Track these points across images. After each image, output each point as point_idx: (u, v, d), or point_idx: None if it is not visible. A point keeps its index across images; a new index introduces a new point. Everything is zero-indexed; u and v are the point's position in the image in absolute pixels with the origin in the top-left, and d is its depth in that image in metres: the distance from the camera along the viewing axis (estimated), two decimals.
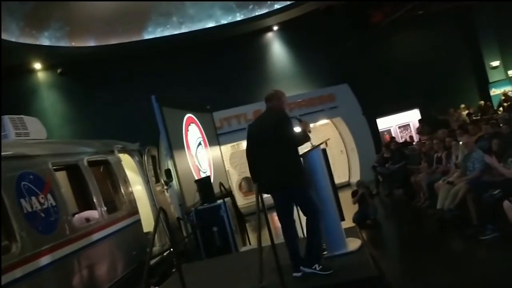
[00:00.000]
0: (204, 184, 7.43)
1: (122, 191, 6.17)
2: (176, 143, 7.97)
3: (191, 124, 9.50)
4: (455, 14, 15.49)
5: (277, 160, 4.10)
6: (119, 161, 6.48)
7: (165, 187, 8.13)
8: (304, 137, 4.16)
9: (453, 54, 15.47)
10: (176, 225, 7.75)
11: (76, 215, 5.58)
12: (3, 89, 11.57)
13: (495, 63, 15.61)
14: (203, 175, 8.65)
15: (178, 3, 13.26)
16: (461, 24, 15.81)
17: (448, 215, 6.47)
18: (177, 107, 9.00)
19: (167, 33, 13.74)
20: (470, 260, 5.22)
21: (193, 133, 9.50)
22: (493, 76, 15.59)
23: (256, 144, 4.29)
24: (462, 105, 13.94)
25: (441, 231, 6.64)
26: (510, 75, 15.65)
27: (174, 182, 7.90)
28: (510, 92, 14.66)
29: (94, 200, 5.47)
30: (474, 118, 12.46)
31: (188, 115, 9.37)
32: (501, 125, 8.34)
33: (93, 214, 5.58)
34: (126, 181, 6.39)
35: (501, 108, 13.61)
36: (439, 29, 15.57)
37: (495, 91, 15.19)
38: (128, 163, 6.95)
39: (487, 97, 15.06)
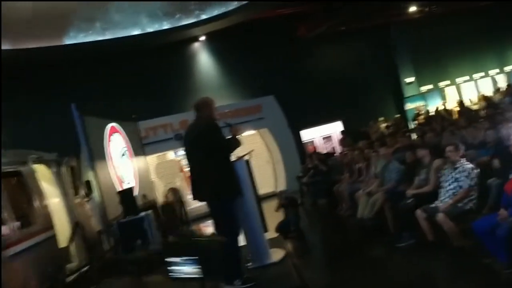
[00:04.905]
0: (126, 196, 7.21)
1: (36, 204, 5.80)
2: (98, 153, 7.69)
3: (114, 133, 9.21)
4: (374, 32, 16.35)
5: (198, 171, 4.11)
6: (33, 172, 6.09)
7: (85, 199, 7.77)
8: (235, 143, 4.17)
9: (373, 69, 16.29)
10: (97, 239, 7.41)
11: None
12: None
13: (410, 79, 16.66)
14: (126, 187, 8.40)
15: (102, 8, 12.81)
16: (379, 42, 16.70)
17: (368, 224, 6.74)
18: (100, 116, 8.70)
19: (90, 38, 13.22)
20: (388, 267, 5.45)
21: (116, 143, 9.21)
22: (408, 91, 16.61)
23: (187, 155, 4.28)
24: (381, 118, 14.68)
25: (362, 239, 6.89)
26: (423, 91, 16.78)
27: (96, 194, 7.59)
28: (422, 107, 15.68)
29: (5, 214, 5.09)
30: (391, 131, 13.14)
31: (111, 124, 9.09)
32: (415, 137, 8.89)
33: (3, 229, 5.19)
34: (40, 194, 6.02)
35: (415, 122, 14.50)
36: (360, 45, 16.37)
37: (409, 106, 16.19)
38: (44, 175, 6.56)
39: (402, 111, 16.01)
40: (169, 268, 3.76)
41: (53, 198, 6.62)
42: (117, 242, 6.71)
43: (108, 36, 13.21)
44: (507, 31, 17.66)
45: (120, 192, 7.47)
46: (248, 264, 4.39)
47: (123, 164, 9.16)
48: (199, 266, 3.49)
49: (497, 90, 15.18)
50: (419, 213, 5.34)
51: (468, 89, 17.32)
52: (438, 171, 5.66)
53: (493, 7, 17.00)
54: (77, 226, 4.13)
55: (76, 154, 8.49)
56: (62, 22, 12.53)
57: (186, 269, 3.58)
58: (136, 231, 6.66)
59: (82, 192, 7.70)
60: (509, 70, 17.94)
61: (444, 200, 5.27)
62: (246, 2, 13.14)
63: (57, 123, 10.85)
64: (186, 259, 3.57)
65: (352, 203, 7.96)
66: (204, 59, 15.42)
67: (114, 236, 6.77)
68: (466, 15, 17.11)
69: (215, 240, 3.95)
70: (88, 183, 7.68)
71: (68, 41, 13.00)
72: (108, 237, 7.15)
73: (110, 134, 8.96)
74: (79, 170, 7.90)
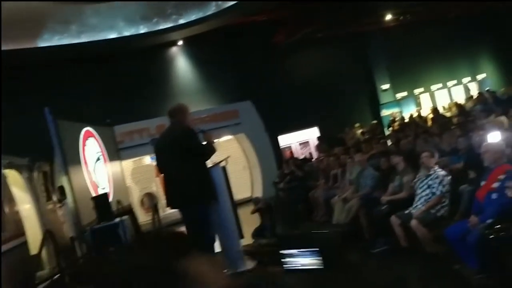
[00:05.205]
0: (100, 201, 7.10)
1: (7, 210, 5.67)
2: (72, 158, 7.56)
3: (89, 138, 9.08)
4: (351, 39, 16.57)
5: (173, 177, 4.07)
6: (3, 178, 5.95)
7: (58, 205, 7.63)
8: (210, 149, 4.16)
9: (349, 76, 16.48)
10: (69, 245, 7.28)
11: None
12: None
13: (386, 86, 16.92)
14: (101, 192, 8.28)
15: (78, 11, 12.63)
16: (356, 49, 16.93)
17: (343, 230, 6.79)
18: (74, 120, 8.58)
19: (65, 41, 13.01)
20: (363, 272, 5.49)
21: (91, 147, 9.08)
22: (383, 98, 16.88)
23: (160, 161, 4.22)
24: (357, 124, 14.85)
25: (337, 245, 6.93)
26: (398, 98, 17.07)
27: (69, 199, 7.46)
28: (398, 114, 15.94)
29: None
30: (366, 137, 13.29)
31: (86, 128, 8.96)
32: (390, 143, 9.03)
33: None
34: (10, 200, 5.88)
35: (391, 128, 14.72)
36: (337, 52, 16.56)
37: (385, 112, 16.44)
38: (15, 180, 6.42)
39: (378, 118, 16.25)
40: (283, 260, 3.70)
41: (24, 204, 6.48)
42: (90, 248, 6.60)
43: (83, 39, 13.04)
44: (479, 41, 18.17)
45: (94, 198, 7.35)
46: (223, 271, 4.38)
47: (98, 169, 9.03)
48: (320, 257, 3.45)
49: (469, 98, 15.53)
50: (393, 219, 5.42)
51: (442, 96, 17.71)
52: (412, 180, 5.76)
53: (466, 17, 17.45)
54: (48, 233, 4.04)
55: (50, 159, 8.35)
56: (36, 24, 12.31)
57: (303, 260, 3.54)
58: (110, 237, 6.56)
59: (55, 197, 7.56)
60: (480, 78, 18.41)
61: (417, 206, 5.35)
62: (230, 4, 13.09)
63: (29, 127, 10.62)
64: (304, 251, 3.53)
65: (328, 209, 8.01)
66: (181, 64, 15.36)
67: (87, 242, 6.66)
68: (440, 24, 17.50)
69: (335, 231, 3.92)
70: (61, 189, 7.54)
71: (42, 43, 12.78)
72: (81, 244, 7.03)
73: (85, 139, 8.82)
74: (52, 175, 7.76)
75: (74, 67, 13.31)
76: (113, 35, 13.33)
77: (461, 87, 18.12)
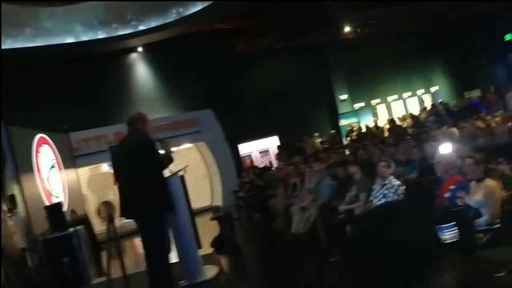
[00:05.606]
0: (54, 210, 6.88)
1: None
2: (24, 166, 7.32)
3: (42, 145, 8.82)
4: (311, 49, 16.84)
5: (129, 187, 4.00)
6: None
7: (8, 214, 7.33)
8: (168, 159, 4.11)
9: (309, 86, 16.72)
10: (20, 257, 7.00)
11: None
12: None
13: (344, 97, 17.29)
14: (55, 200, 8.04)
15: (32, 14, 12.25)
16: (315, 59, 17.22)
17: (302, 239, 6.85)
18: (27, 127, 8.33)
19: (19, 45, 12.56)
20: (320, 281, 5.55)
21: (45, 155, 8.83)
22: (342, 108, 17.23)
23: (118, 170, 4.14)
24: (316, 134, 15.07)
25: (296, 254, 6.97)
26: (356, 108, 17.48)
27: (20, 209, 7.20)
28: (355, 124, 16.30)
29: None
30: (325, 146, 13.51)
31: (39, 135, 8.71)
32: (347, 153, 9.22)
33: None
34: None
35: (348, 138, 15.03)
36: (297, 62, 16.77)
37: (343, 122, 16.79)
38: None
39: (337, 127, 16.56)
40: None
41: None
42: (42, 260, 6.38)
43: (39, 43, 12.63)
44: (433, 55, 18.91)
45: (47, 207, 7.12)
46: (181, 282, 4.32)
47: (51, 177, 8.77)
48: (457, 231, 3.65)
49: (423, 109, 16.07)
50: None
51: (398, 107, 18.26)
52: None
53: (421, 32, 18.12)
54: None
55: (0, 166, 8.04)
56: None
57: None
58: (63, 248, 6.36)
59: (5, 207, 7.26)
60: (434, 91, 19.13)
61: None
62: (191, 12, 13.00)
63: None
64: (441, 226, 3.75)
65: (287, 217, 8.06)
66: (141, 71, 15.15)
67: (40, 253, 6.43)
68: (396, 39, 18.07)
69: (468, 206, 4.03)
70: (12, 197, 7.27)
71: None
72: (33, 255, 6.78)
73: (39, 146, 8.56)
74: (2, 184, 7.45)
75: (29, 71, 12.86)
76: (70, 40, 12.99)
77: (415, 99, 18.75)
